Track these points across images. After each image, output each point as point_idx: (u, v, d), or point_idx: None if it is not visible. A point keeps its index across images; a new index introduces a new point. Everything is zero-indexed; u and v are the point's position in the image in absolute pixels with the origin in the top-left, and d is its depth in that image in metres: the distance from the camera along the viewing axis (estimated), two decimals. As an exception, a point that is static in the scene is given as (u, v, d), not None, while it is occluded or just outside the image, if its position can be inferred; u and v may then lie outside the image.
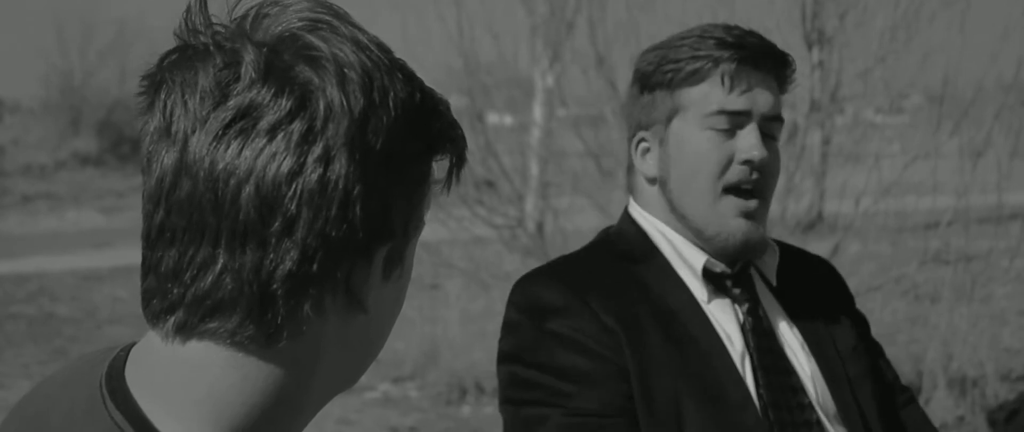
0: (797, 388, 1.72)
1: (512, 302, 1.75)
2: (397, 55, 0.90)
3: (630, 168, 1.84)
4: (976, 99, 5.67)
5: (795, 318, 1.81)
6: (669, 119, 1.75)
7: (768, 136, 1.73)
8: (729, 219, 1.72)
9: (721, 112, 1.71)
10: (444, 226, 6.54)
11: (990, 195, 5.68)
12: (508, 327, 1.74)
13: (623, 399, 1.64)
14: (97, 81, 29.50)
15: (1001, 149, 5.68)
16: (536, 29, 7.40)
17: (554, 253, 5.86)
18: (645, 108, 1.79)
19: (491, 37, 7.02)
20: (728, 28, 1.75)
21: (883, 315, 5.66)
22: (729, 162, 1.72)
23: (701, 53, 1.72)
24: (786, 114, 1.76)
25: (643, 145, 1.80)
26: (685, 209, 1.76)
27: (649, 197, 1.81)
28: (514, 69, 7.54)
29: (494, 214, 6.76)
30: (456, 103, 6.93)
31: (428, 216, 0.94)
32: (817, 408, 1.72)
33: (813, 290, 1.87)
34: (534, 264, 6.33)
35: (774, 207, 5.40)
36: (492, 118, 7.85)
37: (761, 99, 1.72)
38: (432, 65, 7.05)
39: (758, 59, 1.73)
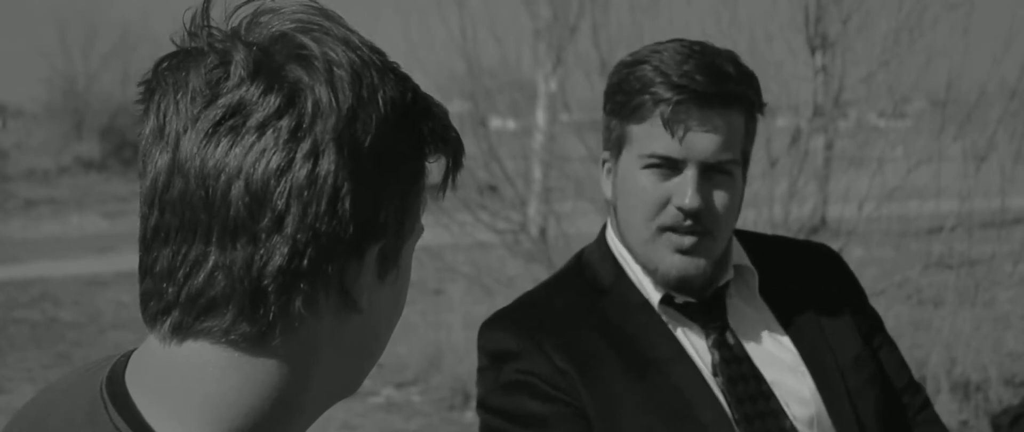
0: (777, 412, 1.69)
1: (479, 346, 1.75)
2: (400, 57, 0.91)
3: None
4: (979, 103, 5.67)
5: (790, 332, 1.77)
6: (619, 149, 1.72)
7: (718, 172, 1.67)
8: (665, 255, 1.69)
9: (655, 155, 1.66)
10: (447, 231, 6.54)
11: (993, 199, 5.68)
12: (478, 372, 1.75)
13: None
14: (100, 85, 29.66)
15: (1004, 153, 5.67)
16: (539, 33, 7.41)
17: (557, 258, 5.86)
18: (606, 129, 1.76)
19: (494, 41, 7.03)
20: (686, 57, 1.65)
21: (886, 320, 5.64)
22: (665, 203, 1.68)
23: (646, 88, 1.65)
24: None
25: (607, 165, 1.78)
26: (628, 240, 1.74)
27: (613, 218, 1.80)
28: (517, 73, 7.54)
29: (497, 219, 6.77)
30: (459, 108, 6.95)
31: (431, 220, 0.94)
32: (803, 430, 1.70)
33: (812, 294, 1.82)
34: (537, 269, 6.35)
35: (777, 211, 5.42)
36: (495, 123, 7.86)
37: (700, 144, 1.64)
38: (435, 68, 7.07)
39: (704, 99, 1.64)
